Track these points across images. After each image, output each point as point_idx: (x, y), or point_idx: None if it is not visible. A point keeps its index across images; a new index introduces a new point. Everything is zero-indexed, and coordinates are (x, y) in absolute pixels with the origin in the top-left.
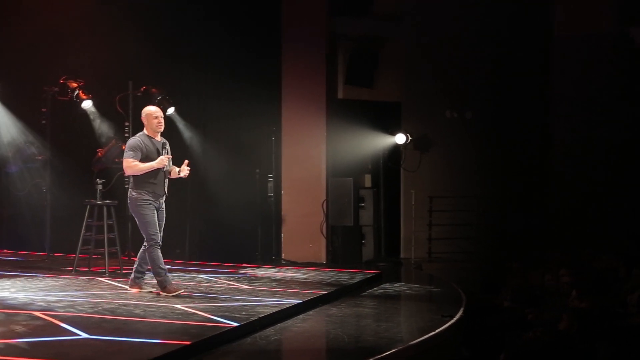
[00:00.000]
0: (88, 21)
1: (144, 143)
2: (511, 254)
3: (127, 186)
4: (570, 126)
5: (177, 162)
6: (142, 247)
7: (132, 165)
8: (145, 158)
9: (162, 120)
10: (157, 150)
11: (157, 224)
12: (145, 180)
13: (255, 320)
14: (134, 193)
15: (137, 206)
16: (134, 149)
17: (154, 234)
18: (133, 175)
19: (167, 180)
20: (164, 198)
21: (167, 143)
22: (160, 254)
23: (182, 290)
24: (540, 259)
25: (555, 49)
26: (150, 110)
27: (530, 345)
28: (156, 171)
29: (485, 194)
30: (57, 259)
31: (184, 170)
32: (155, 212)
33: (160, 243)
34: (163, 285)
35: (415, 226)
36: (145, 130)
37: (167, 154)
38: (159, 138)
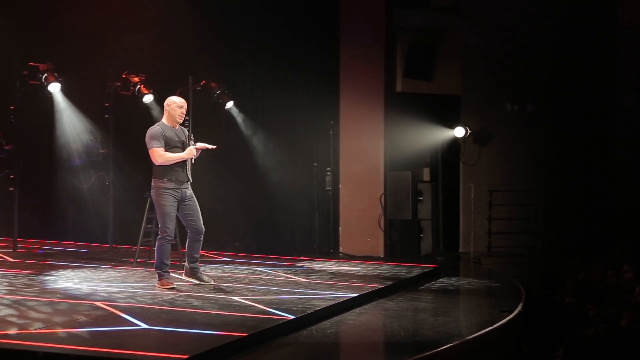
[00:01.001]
0: (149, 15)
1: (163, 131)
2: (573, 249)
3: None
4: (635, 118)
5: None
6: (188, 237)
7: (161, 155)
8: (165, 146)
9: (185, 113)
10: (179, 138)
11: (174, 217)
12: (169, 168)
13: (312, 313)
14: (156, 182)
15: (157, 195)
16: (157, 137)
17: (168, 227)
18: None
19: (190, 166)
20: (189, 184)
21: (191, 133)
22: (169, 249)
23: (175, 286)
24: (603, 254)
25: (620, 40)
26: (177, 100)
27: (590, 341)
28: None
29: (546, 188)
30: (119, 251)
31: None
32: (176, 204)
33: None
34: (160, 277)
35: (475, 220)
36: (164, 120)
37: (193, 143)
38: (177, 127)
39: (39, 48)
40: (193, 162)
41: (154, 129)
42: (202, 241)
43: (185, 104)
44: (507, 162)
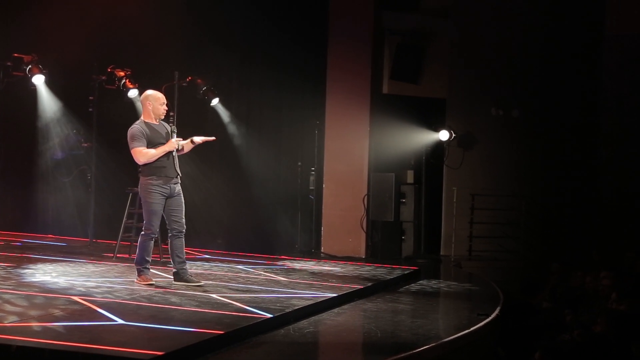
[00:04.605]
0: (137, 10)
1: (144, 129)
2: (554, 254)
3: None
4: (620, 127)
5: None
6: (169, 235)
7: (144, 153)
8: (147, 145)
9: (167, 107)
10: (161, 134)
11: (160, 214)
12: (155, 165)
13: (290, 312)
14: (143, 179)
15: (145, 192)
16: (139, 137)
17: (153, 225)
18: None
19: (177, 160)
20: (178, 179)
21: (175, 126)
22: (151, 246)
23: (154, 283)
24: (583, 260)
25: (607, 47)
26: (158, 95)
27: (566, 345)
28: (166, 154)
29: (529, 193)
30: (99, 246)
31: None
32: (164, 201)
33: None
34: (139, 273)
35: (456, 223)
36: (143, 117)
37: (176, 135)
38: (157, 122)
39: (23, 39)
40: (175, 155)
41: (134, 129)
42: (183, 239)
43: (165, 98)
44: (490, 166)
